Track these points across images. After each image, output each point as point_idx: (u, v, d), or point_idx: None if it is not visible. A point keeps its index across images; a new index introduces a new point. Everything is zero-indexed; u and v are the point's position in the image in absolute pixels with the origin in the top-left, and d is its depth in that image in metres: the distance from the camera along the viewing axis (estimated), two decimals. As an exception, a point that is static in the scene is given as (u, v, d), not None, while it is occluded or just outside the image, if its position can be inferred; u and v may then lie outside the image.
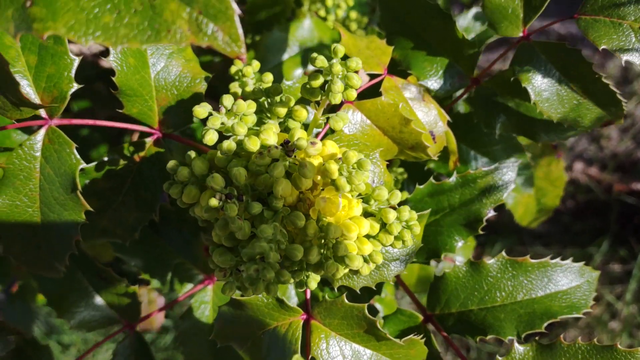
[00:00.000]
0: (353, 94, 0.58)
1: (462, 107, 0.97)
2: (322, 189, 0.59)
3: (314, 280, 0.61)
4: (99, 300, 0.87)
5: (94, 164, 0.73)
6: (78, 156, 0.68)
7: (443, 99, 0.88)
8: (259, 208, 0.56)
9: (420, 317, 0.79)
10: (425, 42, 0.80)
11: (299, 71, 1.06)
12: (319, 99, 0.59)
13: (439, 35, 0.79)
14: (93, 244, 0.81)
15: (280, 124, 0.65)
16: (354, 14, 1.19)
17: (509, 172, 0.78)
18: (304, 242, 0.58)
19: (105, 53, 0.68)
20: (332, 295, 1.01)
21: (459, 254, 1.51)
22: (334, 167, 0.55)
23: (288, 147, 0.55)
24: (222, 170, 0.61)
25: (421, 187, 0.78)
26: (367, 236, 0.61)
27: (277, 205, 0.56)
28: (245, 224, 0.54)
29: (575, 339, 0.66)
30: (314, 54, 0.57)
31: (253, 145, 0.56)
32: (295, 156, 0.56)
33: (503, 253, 0.75)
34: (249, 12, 1.12)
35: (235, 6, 0.37)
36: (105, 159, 0.73)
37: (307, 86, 0.59)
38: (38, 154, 0.68)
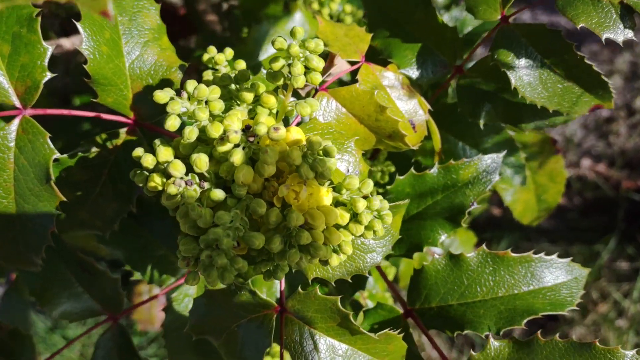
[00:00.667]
0: (317, 77, 0.57)
1: (449, 98, 0.95)
2: (288, 177, 0.58)
3: (282, 271, 0.60)
4: (81, 291, 0.87)
5: (67, 154, 0.72)
6: (52, 146, 0.67)
7: (428, 89, 0.86)
8: (220, 195, 0.55)
9: (400, 311, 0.77)
10: (406, 30, 0.78)
11: (287, 64, 1.04)
12: (281, 82, 0.58)
13: (420, 23, 0.77)
14: (76, 235, 0.80)
15: (250, 111, 0.64)
16: (348, 7, 1.18)
17: (492, 163, 0.76)
18: (268, 231, 0.56)
19: (81, 57, 0.68)
20: (322, 290, 1.00)
21: (459, 248, 1.49)
22: (296, 153, 0.54)
23: (249, 133, 0.54)
24: (187, 158, 0.60)
25: (401, 177, 0.76)
26: (337, 226, 0.60)
27: (240, 192, 0.55)
28: (206, 211, 0.53)
29: (554, 337, 0.63)
30: (275, 36, 0.56)
31: (215, 130, 0.55)
32: (258, 142, 0.55)
33: (483, 246, 0.73)
34: (242, 6, 1.11)
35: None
36: (80, 148, 0.72)
37: (270, 70, 0.58)
38: (12, 144, 0.68)
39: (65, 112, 0.71)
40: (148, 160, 0.57)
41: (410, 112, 0.73)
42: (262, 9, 1.10)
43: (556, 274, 0.73)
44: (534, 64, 0.70)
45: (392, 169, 0.94)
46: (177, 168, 0.53)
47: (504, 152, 0.77)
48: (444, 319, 0.73)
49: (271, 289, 0.96)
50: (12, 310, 1.28)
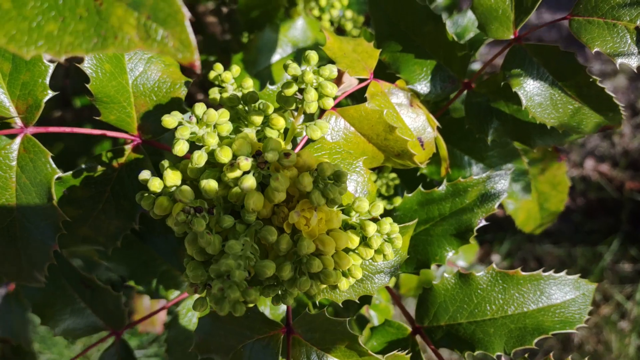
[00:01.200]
0: (329, 103, 0.56)
1: (456, 112, 0.94)
2: (298, 202, 0.57)
3: (290, 296, 0.59)
4: (83, 307, 0.86)
5: (70, 172, 0.71)
6: (54, 165, 0.66)
7: (434, 104, 0.85)
8: (230, 222, 0.54)
9: (409, 329, 0.76)
10: (415, 44, 0.77)
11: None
12: (293, 107, 0.57)
13: (430, 38, 0.76)
14: (77, 251, 0.79)
15: (258, 132, 0.63)
16: (349, 13, 1.17)
17: (501, 180, 0.75)
18: (277, 257, 0.56)
19: (79, 60, 0.66)
20: (316, 310, 0.99)
21: (460, 257, 1.49)
22: (307, 179, 0.53)
23: (260, 159, 0.53)
24: (195, 181, 0.59)
25: (410, 195, 0.76)
26: (347, 250, 0.59)
27: (249, 218, 0.54)
28: (215, 239, 0.52)
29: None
30: (288, 61, 0.55)
31: (225, 156, 0.54)
32: (268, 168, 0.54)
33: (493, 265, 0.72)
34: (242, 12, 1.09)
35: (185, 10, 0.35)
36: (83, 166, 0.71)
37: (282, 94, 0.57)
38: (14, 163, 0.67)
39: (67, 129, 0.70)
40: (155, 185, 0.56)
41: (419, 129, 0.72)
42: (264, 17, 1.09)
43: (565, 291, 0.73)
44: (546, 85, 0.69)
45: (397, 182, 0.94)
46: (186, 195, 0.52)
47: (512, 169, 0.76)
48: (453, 338, 0.72)
49: (275, 308, 0.96)
50: (11, 315, 1.27)
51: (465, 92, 0.79)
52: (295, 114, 0.61)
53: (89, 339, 2.30)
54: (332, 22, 1.17)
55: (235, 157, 0.55)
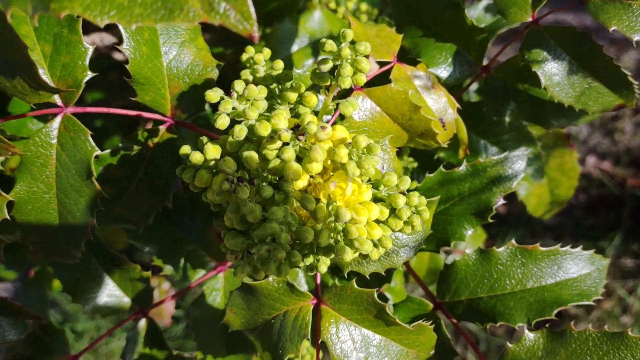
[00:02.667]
0: (362, 79, 0.59)
1: (473, 96, 0.97)
2: (332, 174, 0.60)
3: (324, 264, 0.62)
4: (112, 286, 0.88)
5: (108, 150, 0.74)
6: (93, 143, 0.69)
7: (452, 88, 0.88)
8: (270, 191, 0.57)
9: (430, 305, 0.79)
10: (434, 30, 0.80)
11: (309, 62, 1.06)
12: (328, 83, 0.60)
13: (448, 24, 0.79)
14: (107, 231, 0.82)
15: (290, 110, 0.66)
16: (364, 6, 1.20)
17: (518, 161, 0.78)
18: (314, 225, 0.58)
19: (118, 42, 0.69)
20: (342, 283, 1.02)
21: (469, 245, 1.51)
22: (343, 151, 0.56)
23: (299, 131, 0.56)
24: (234, 155, 0.61)
25: (431, 175, 0.78)
26: (377, 221, 0.62)
27: (287, 188, 0.57)
28: (256, 207, 0.55)
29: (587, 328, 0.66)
30: (324, 39, 0.58)
31: (264, 129, 0.57)
32: (305, 140, 0.57)
33: (513, 241, 0.75)
34: (260, 4, 1.12)
35: (247, -17, 0.38)
36: (120, 145, 0.74)
37: (317, 71, 0.60)
38: (54, 141, 0.70)
39: (105, 110, 0.73)
40: (197, 158, 0.59)
41: (441, 110, 0.75)
42: (282, 9, 1.12)
43: (580, 266, 0.76)
44: (563, 65, 0.72)
45: (415, 165, 0.97)
46: (230, 165, 0.55)
47: (530, 150, 0.79)
48: (474, 311, 0.75)
49: (294, 281, 0.98)
50: (32, 303, 1.30)
51: (483, 75, 0.82)
52: (327, 92, 0.64)
53: (97, 331, 2.33)
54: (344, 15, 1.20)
55: (273, 131, 0.58)
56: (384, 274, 0.71)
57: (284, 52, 1.06)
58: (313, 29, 1.09)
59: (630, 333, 0.63)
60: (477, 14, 1.19)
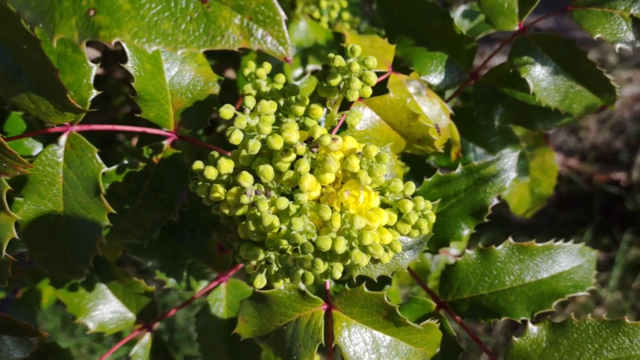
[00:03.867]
0: (369, 91, 0.62)
1: (459, 102, 1.00)
2: (343, 183, 0.62)
3: (337, 270, 0.64)
4: (116, 302, 0.89)
5: (114, 167, 0.75)
6: (100, 160, 0.70)
7: (439, 94, 0.91)
8: (285, 203, 0.59)
9: (434, 304, 0.82)
10: (425, 40, 0.84)
11: (298, 71, 1.09)
12: (336, 97, 0.62)
13: (438, 33, 0.83)
14: (100, 245, 0.83)
15: (297, 122, 0.68)
16: (346, 15, 1.23)
17: (509, 161, 0.82)
18: (329, 234, 0.60)
19: (123, 60, 0.70)
20: (339, 288, 1.04)
21: (454, 246, 1.56)
22: (355, 161, 0.58)
23: (312, 144, 0.58)
24: (245, 169, 0.63)
25: (429, 179, 0.82)
26: (386, 226, 0.65)
27: (302, 200, 0.59)
28: (275, 219, 0.57)
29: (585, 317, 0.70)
30: (331, 54, 0.60)
31: (277, 143, 0.59)
32: (317, 152, 0.59)
33: (510, 239, 0.79)
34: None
35: (282, 12, 0.40)
36: (126, 162, 0.75)
37: (324, 85, 0.62)
38: (61, 159, 0.70)
39: (109, 127, 0.74)
40: (211, 172, 0.60)
41: (435, 117, 0.78)
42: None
43: (572, 258, 0.80)
44: (549, 70, 0.76)
45: (407, 169, 1.00)
46: (247, 179, 0.57)
47: (519, 151, 0.83)
48: (477, 308, 0.78)
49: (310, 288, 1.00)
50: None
51: (472, 82, 0.86)
52: (332, 105, 0.66)
53: (77, 349, 2.30)
54: (329, 24, 1.23)
55: (285, 144, 0.60)
56: (390, 276, 0.73)
57: (274, 62, 1.07)
58: (300, 38, 1.11)
59: (627, 320, 0.67)
60: (455, 20, 1.23)
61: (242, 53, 1.11)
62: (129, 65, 0.70)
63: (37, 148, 0.86)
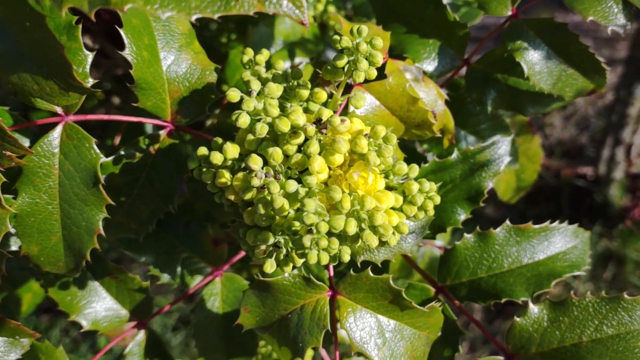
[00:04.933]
0: (374, 73, 0.62)
1: (447, 91, 1.01)
2: (350, 166, 0.62)
3: (346, 253, 0.64)
4: (109, 299, 0.87)
5: (111, 158, 0.73)
6: (98, 150, 0.68)
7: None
8: (294, 185, 0.58)
9: (432, 290, 0.83)
10: (417, 27, 0.84)
11: (287, 64, 1.08)
12: (342, 79, 0.62)
13: (430, 21, 0.84)
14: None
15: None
16: (331, 8, 1.23)
17: (503, 146, 0.83)
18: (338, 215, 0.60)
19: (121, 47, 0.69)
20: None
21: (439, 237, 1.57)
22: (364, 141, 0.58)
23: (321, 125, 0.58)
24: (251, 153, 0.63)
25: (426, 165, 0.82)
26: (392, 208, 0.65)
27: (311, 182, 0.59)
28: (285, 201, 0.57)
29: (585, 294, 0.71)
30: (336, 36, 0.60)
31: (284, 126, 0.58)
32: (326, 134, 0.59)
33: (507, 222, 0.80)
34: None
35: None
36: (122, 152, 0.73)
37: (329, 67, 0.62)
38: (56, 150, 0.68)
39: (105, 117, 0.72)
40: (217, 157, 0.60)
41: (432, 102, 0.79)
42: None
43: (567, 239, 0.82)
44: (542, 54, 0.78)
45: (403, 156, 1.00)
46: (256, 161, 0.56)
47: (512, 136, 0.85)
48: (476, 291, 0.79)
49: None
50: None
51: (464, 68, 0.87)
52: (336, 88, 0.66)
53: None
54: (315, 18, 1.23)
55: (292, 127, 0.59)
56: (393, 260, 0.74)
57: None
58: (287, 31, 1.11)
59: (625, 295, 0.69)
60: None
61: (230, 47, 1.10)
62: (127, 53, 0.69)
63: (25, 142, 0.83)
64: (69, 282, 0.85)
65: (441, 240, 1.59)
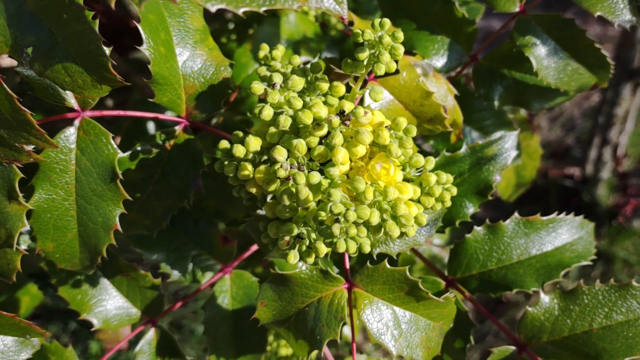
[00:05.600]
0: (394, 65, 0.63)
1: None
2: (370, 158, 0.63)
3: (366, 244, 0.65)
4: (120, 297, 0.86)
5: (127, 153, 0.73)
6: (115, 146, 0.68)
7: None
8: (318, 177, 0.59)
9: (443, 283, 0.84)
10: (426, 23, 0.86)
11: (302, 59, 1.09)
12: (363, 71, 0.63)
13: (439, 17, 0.85)
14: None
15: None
16: (331, 9, 1.24)
17: (509, 140, 0.85)
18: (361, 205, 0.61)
19: (139, 42, 0.69)
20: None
21: (437, 237, 1.59)
22: (386, 133, 0.59)
23: (345, 117, 0.59)
24: (271, 146, 0.63)
25: (436, 159, 0.83)
26: (410, 200, 0.66)
27: (334, 174, 0.59)
28: (310, 192, 0.57)
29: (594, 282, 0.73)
30: (357, 30, 0.61)
31: (307, 118, 0.59)
32: (348, 126, 0.60)
33: (516, 214, 0.82)
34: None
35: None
36: (139, 148, 0.73)
37: (349, 61, 0.63)
38: (73, 145, 0.68)
39: (121, 113, 0.72)
40: (240, 150, 0.60)
41: (442, 97, 0.80)
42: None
43: (573, 231, 0.83)
44: (550, 49, 0.80)
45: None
46: (282, 153, 0.57)
47: (519, 130, 0.86)
48: (486, 283, 0.80)
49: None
50: None
51: (472, 64, 0.89)
52: (355, 81, 0.67)
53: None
54: (316, 18, 1.24)
55: (314, 119, 0.60)
56: (408, 252, 0.75)
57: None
58: (291, 30, 1.12)
59: (634, 283, 0.71)
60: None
61: (236, 45, 1.11)
62: (144, 48, 0.69)
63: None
64: (80, 280, 0.84)
65: (440, 240, 1.61)
